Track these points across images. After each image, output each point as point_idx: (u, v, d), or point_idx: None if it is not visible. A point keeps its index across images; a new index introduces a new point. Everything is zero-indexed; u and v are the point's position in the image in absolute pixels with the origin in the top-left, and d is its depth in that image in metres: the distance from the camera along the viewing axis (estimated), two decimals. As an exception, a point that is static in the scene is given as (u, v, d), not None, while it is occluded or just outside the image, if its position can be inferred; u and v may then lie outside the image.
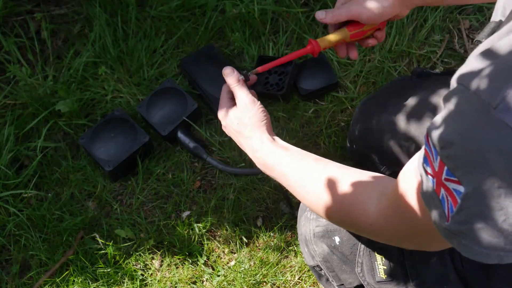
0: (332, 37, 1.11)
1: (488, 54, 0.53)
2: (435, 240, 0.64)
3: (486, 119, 0.50)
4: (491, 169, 0.51)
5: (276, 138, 1.03)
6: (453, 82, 0.55)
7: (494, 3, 0.61)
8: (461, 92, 0.53)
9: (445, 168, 0.55)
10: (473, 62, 0.54)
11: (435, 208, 0.59)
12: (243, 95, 1.03)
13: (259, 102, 1.03)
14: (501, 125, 0.49)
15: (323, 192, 0.86)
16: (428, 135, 0.57)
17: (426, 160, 0.59)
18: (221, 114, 1.07)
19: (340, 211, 0.85)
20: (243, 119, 1.02)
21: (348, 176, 0.85)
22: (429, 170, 0.58)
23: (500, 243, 0.55)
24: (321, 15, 1.07)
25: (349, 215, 0.84)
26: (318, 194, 0.87)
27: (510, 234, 0.54)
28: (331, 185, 0.85)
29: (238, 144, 1.07)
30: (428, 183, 0.59)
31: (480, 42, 0.60)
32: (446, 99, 0.55)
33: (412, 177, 0.65)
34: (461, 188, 0.54)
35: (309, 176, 0.91)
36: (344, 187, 0.84)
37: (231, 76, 1.04)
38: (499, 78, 0.50)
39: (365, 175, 0.85)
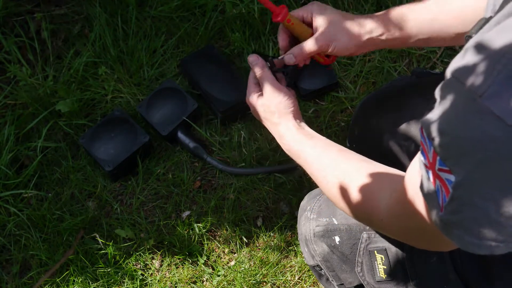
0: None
1: (477, 46, 0.54)
2: (440, 238, 0.64)
3: (473, 107, 0.51)
4: (479, 157, 0.51)
5: (303, 124, 1.02)
6: (447, 74, 0.56)
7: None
8: (451, 84, 0.54)
9: (438, 158, 0.56)
10: (464, 55, 0.55)
11: (432, 201, 0.59)
12: (268, 83, 1.03)
13: (285, 88, 1.03)
14: (486, 112, 0.50)
15: (341, 184, 0.87)
16: (422, 127, 0.57)
17: (422, 153, 0.59)
18: (248, 100, 1.07)
19: (355, 205, 0.86)
20: (270, 107, 1.02)
21: (367, 170, 0.85)
22: (425, 162, 0.59)
23: (491, 233, 0.55)
24: (290, 61, 1.05)
25: (363, 209, 0.84)
26: (337, 186, 0.88)
27: (501, 224, 0.54)
28: (350, 178, 0.86)
29: (267, 129, 1.07)
30: (427, 177, 0.59)
31: (470, 37, 0.61)
32: (439, 91, 0.56)
33: (415, 173, 0.65)
34: (452, 177, 0.55)
35: (330, 167, 0.92)
36: (362, 181, 0.84)
37: (256, 64, 1.04)
38: (486, 68, 0.51)
39: (384, 170, 0.85)
